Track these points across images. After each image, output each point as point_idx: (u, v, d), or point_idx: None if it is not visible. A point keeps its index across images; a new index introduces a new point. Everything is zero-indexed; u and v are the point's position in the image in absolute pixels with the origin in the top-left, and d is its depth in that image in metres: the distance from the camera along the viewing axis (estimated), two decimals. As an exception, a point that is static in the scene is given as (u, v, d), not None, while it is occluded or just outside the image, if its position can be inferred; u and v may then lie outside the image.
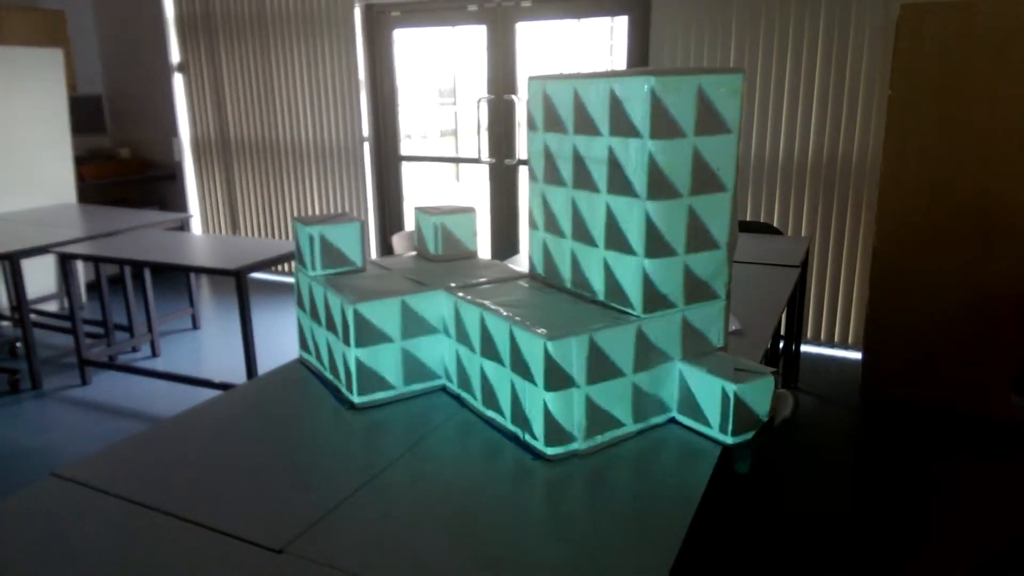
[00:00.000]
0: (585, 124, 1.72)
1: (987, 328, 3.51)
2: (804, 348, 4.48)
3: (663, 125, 1.56)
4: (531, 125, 1.93)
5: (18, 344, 4.64)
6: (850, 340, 4.43)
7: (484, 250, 5.50)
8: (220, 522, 1.36)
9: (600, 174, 1.70)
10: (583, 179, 1.75)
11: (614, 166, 1.66)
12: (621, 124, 1.62)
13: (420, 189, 5.85)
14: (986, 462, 3.19)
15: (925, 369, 3.68)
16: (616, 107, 1.62)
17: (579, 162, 1.77)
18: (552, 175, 1.87)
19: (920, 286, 3.62)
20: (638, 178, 1.59)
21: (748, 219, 4.50)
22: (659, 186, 1.58)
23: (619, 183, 1.65)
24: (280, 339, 4.84)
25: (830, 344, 4.50)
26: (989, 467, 3.15)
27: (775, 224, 4.46)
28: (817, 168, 4.30)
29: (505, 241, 5.43)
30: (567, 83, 1.78)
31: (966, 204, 3.45)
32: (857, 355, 4.35)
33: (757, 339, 2.26)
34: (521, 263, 3.15)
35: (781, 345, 3.83)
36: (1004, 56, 3.24)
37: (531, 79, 1.89)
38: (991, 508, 2.85)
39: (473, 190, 5.37)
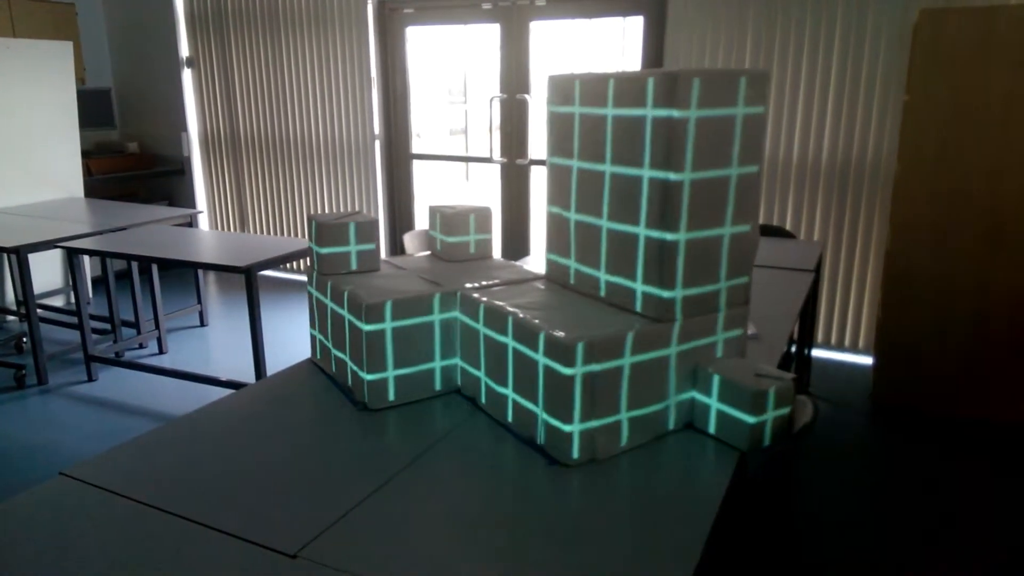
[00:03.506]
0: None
1: (1000, 334, 3.47)
2: (815, 352, 4.44)
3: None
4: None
5: (24, 339, 4.62)
6: (860, 345, 4.39)
7: (495, 250, 5.48)
8: (232, 525, 1.33)
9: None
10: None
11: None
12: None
13: (430, 188, 5.83)
14: (999, 469, 3.15)
15: (937, 374, 3.65)
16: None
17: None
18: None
19: (932, 291, 3.58)
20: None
21: (761, 223, 4.46)
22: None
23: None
24: (288, 337, 4.82)
25: (840, 348, 4.46)
26: (1000, 475, 3.11)
27: (788, 227, 4.43)
28: (831, 172, 4.26)
29: (517, 242, 5.40)
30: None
31: (979, 210, 3.41)
32: (868, 360, 4.31)
33: (773, 344, 2.23)
34: (533, 264, 3.12)
35: (793, 349, 3.80)
36: (1022, 62, 3.20)
37: (550, 78, 1.86)
38: (1001, 515, 2.81)
39: (483, 189, 5.35)
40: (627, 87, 1.60)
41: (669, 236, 1.57)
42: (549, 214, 1.94)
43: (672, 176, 1.54)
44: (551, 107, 1.85)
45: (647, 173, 1.58)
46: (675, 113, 1.50)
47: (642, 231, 1.62)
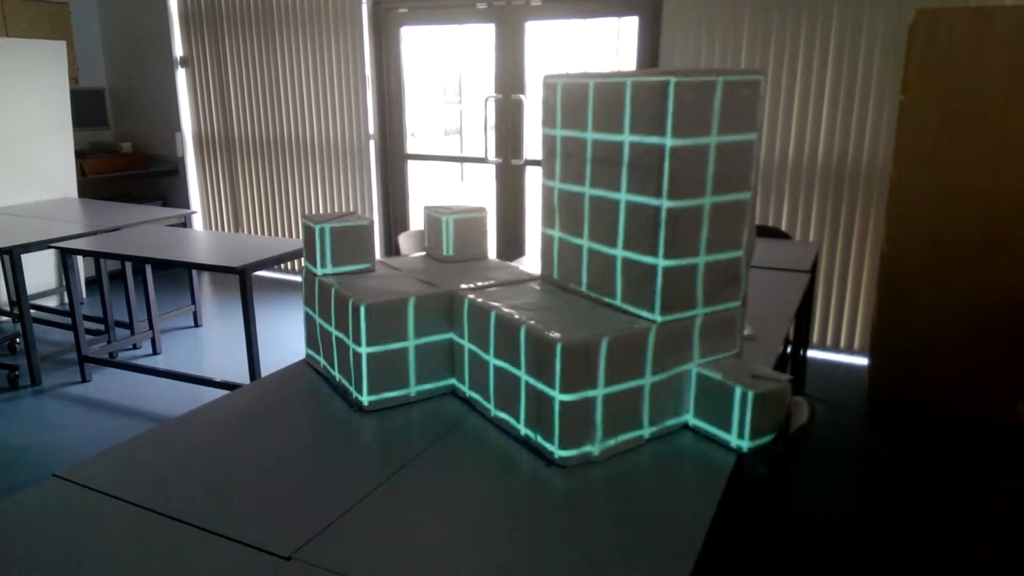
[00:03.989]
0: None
1: (996, 335, 3.48)
2: (811, 354, 4.45)
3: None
4: (547, 122, 1.91)
5: (18, 340, 4.60)
6: (856, 346, 4.39)
7: (489, 251, 5.47)
8: (227, 527, 1.32)
9: (619, 174, 1.68)
10: (601, 178, 1.73)
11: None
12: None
13: (424, 188, 5.83)
14: (994, 469, 3.15)
15: (933, 375, 3.65)
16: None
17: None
18: (569, 173, 1.85)
19: (928, 291, 3.59)
20: (658, 178, 1.57)
21: (757, 223, 4.45)
22: (679, 186, 1.55)
23: (638, 183, 1.62)
24: (282, 338, 4.81)
25: (836, 349, 4.46)
26: (997, 474, 3.11)
27: (783, 228, 4.43)
28: (826, 172, 4.26)
29: (511, 242, 5.39)
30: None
31: (975, 210, 3.41)
32: (864, 361, 4.31)
33: (769, 345, 2.23)
34: (528, 265, 3.11)
35: (788, 350, 3.79)
36: (1018, 63, 3.20)
37: (544, 78, 1.86)
38: (999, 515, 2.81)
39: (478, 190, 5.35)
40: (607, 92, 1.60)
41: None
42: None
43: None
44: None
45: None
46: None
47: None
